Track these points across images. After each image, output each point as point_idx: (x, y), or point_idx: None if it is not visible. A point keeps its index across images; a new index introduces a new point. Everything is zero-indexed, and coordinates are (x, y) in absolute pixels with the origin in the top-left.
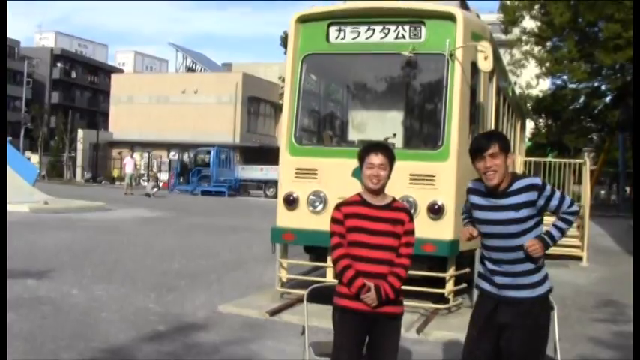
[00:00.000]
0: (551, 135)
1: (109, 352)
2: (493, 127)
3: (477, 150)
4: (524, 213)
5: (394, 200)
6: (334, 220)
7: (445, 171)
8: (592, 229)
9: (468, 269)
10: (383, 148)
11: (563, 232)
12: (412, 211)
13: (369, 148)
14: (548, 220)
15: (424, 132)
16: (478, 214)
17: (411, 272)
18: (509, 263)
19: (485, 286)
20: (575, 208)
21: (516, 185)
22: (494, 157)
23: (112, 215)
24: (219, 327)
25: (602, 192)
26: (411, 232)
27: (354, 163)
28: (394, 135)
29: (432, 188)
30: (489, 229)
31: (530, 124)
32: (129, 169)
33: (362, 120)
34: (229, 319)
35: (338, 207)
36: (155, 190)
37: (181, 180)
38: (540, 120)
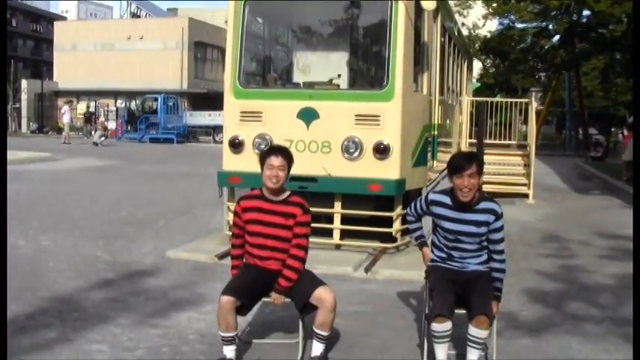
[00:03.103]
0: (499, 75)
1: (57, 302)
2: (438, 67)
3: (457, 169)
4: (482, 230)
5: (291, 195)
6: (234, 213)
7: (390, 111)
8: (538, 167)
9: None
10: (282, 151)
11: (503, 280)
12: (357, 152)
13: (268, 151)
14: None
15: (369, 72)
16: (444, 224)
17: (357, 212)
18: (462, 252)
19: (444, 263)
20: (504, 256)
21: (482, 205)
22: (472, 176)
23: (58, 165)
24: (168, 272)
25: (572, 131)
26: (304, 224)
27: (299, 104)
28: (339, 76)
29: (377, 128)
30: (452, 235)
31: (477, 65)
32: (66, 119)
33: (307, 61)
34: (178, 264)
35: (238, 201)
36: (103, 138)
37: (129, 128)
38: (488, 60)
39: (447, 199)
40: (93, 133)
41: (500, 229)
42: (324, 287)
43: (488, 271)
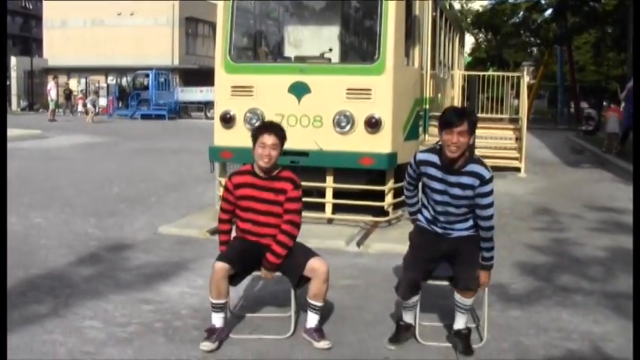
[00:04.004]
0: (491, 49)
1: (48, 279)
2: (430, 41)
3: (447, 124)
4: (468, 193)
5: (281, 170)
6: (225, 188)
7: (381, 84)
8: (530, 141)
9: None
10: (275, 128)
11: (492, 249)
12: (349, 126)
13: (262, 128)
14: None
15: (360, 46)
16: (431, 184)
17: (349, 186)
18: (448, 215)
19: (428, 227)
20: (490, 223)
21: (469, 167)
22: (461, 134)
23: (49, 143)
24: (160, 248)
25: (563, 105)
26: (294, 199)
27: (290, 79)
28: (330, 50)
29: (368, 102)
30: (439, 196)
31: (470, 40)
32: (53, 95)
33: (298, 36)
34: (170, 240)
35: (230, 176)
36: (93, 110)
37: (120, 104)
38: (480, 35)
39: (435, 158)
40: (77, 110)
41: (487, 194)
42: (317, 258)
43: (474, 235)
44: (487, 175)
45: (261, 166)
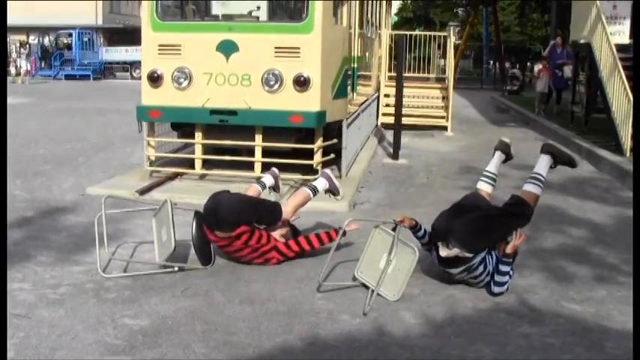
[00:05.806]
0: (418, 9)
1: None
2: (358, 1)
3: None
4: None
5: None
6: None
7: (310, 43)
8: (457, 101)
9: (335, 140)
10: None
11: None
12: (277, 85)
13: None
14: None
15: (288, 5)
16: None
17: (278, 145)
18: None
19: None
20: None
21: None
22: None
23: None
24: (89, 209)
25: (489, 65)
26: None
27: (218, 37)
28: (258, 8)
29: (297, 60)
30: None
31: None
32: None
33: None
34: (98, 201)
35: None
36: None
37: (43, 65)
38: None
39: None
40: None
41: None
42: None
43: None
44: None
45: None
